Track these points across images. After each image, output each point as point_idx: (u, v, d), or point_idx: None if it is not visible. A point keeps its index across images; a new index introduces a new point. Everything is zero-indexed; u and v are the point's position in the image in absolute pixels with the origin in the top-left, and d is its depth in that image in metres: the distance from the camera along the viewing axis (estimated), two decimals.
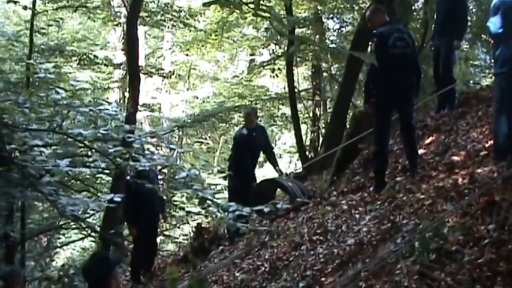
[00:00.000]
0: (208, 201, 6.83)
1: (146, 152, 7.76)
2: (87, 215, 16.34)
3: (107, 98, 20.18)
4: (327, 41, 20.14)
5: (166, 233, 19.32)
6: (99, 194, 14.12)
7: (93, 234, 14.79)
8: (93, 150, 8.24)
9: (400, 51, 8.68)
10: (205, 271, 9.81)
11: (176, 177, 7.48)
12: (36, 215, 20.42)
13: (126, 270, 11.96)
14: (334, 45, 19.76)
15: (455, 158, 8.82)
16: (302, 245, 8.50)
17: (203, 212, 7.13)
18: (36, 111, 8.46)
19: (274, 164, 11.96)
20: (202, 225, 12.20)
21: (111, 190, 12.67)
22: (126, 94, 18.85)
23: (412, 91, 8.91)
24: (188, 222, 18.14)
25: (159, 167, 9.60)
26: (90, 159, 9.18)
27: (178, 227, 18.77)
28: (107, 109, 8.20)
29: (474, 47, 18.65)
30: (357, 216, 8.63)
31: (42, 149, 9.90)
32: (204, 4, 8.12)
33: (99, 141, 7.62)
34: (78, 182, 16.57)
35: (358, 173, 10.66)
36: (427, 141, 10.28)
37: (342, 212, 9.19)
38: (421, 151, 9.69)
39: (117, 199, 7.95)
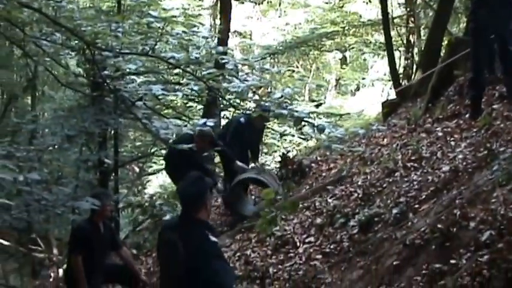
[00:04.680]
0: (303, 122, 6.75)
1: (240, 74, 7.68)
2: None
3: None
4: None
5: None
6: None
7: None
8: (187, 73, 8.23)
9: None
10: (298, 195, 9.83)
11: (271, 97, 7.40)
12: (129, 144, 20.85)
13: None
14: None
15: None
16: (396, 172, 8.42)
17: (298, 133, 7.04)
18: (128, 35, 8.47)
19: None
20: (288, 155, 12.15)
21: (203, 117, 12.72)
22: (217, 21, 18.78)
23: (510, 16, 8.58)
24: (276, 151, 18.25)
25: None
26: (183, 82, 9.21)
27: (270, 155, 18.86)
28: (200, 31, 8.13)
29: None
30: (452, 143, 8.47)
31: (134, 77, 9.98)
32: None
33: (192, 64, 7.58)
34: (170, 111, 16.76)
35: (454, 100, 10.39)
36: None
37: (436, 138, 9.05)
38: None
39: (210, 124, 7.92)
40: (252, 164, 11.17)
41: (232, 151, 10.58)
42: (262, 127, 11.45)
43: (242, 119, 10.71)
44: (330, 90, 27.83)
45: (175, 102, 18.87)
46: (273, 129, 10.25)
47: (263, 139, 11.81)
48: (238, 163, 10.66)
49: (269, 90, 15.41)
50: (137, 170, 22.93)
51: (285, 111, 6.93)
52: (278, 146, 18.37)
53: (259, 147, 12.16)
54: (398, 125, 11.18)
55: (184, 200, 5.03)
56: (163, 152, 17.26)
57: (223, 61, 7.90)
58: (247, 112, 10.16)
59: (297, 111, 6.95)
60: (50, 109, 20.42)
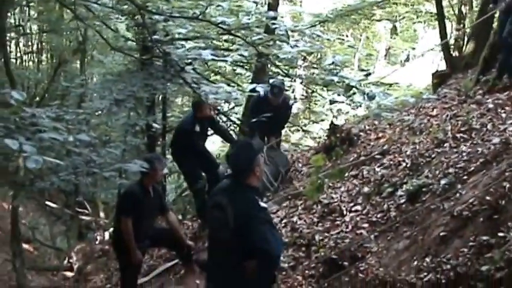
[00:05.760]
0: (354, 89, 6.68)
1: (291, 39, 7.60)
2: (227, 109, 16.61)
3: None
4: None
5: (305, 128, 19.46)
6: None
7: (232, 127, 14.97)
8: (237, 38, 8.19)
9: None
10: (345, 163, 9.80)
11: (321, 64, 7.35)
12: (177, 109, 20.94)
13: None
14: None
15: None
16: (445, 142, 8.34)
17: (347, 101, 6.97)
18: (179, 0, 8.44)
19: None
20: (336, 124, 12.07)
21: (252, 84, 12.68)
22: None
23: None
24: (323, 120, 18.19)
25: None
26: (233, 48, 9.16)
27: (317, 123, 18.83)
28: None
29: None
30: (503, 115, 8.39)
31: (183, 42, 9.96)
32: None
33: (242, 29, 7.53)
34: (218, 77, 16.77)
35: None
36: None
37: (487, 110, 8.94)
38: None
39: (259, 89, 7.90)
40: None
41: (251, 125, 10.38)
42: (283, 107, 10.87)
43: (262, 93, 10.32)
44: (379, 60, 27.62)
45: (223, 68, 18.90)
46: (321, 96, 10.10)
47: (284, 119, 11.26)
48: None
49: (319, 57, 15.30)
50: None
51: (335, 78, 6.87)
52: (326, 115, 18.31)
53: (280, 126, 11.83)
54: (448, 96, 11.03)
55: (234, 167, 5.04)
56: None
57: (274, 26, 7.84)
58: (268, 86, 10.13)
59: (347, 78, 6.88)
60: (99, 73, 20.62)
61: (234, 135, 12.22)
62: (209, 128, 10.34)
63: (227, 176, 5.28)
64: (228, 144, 10.89)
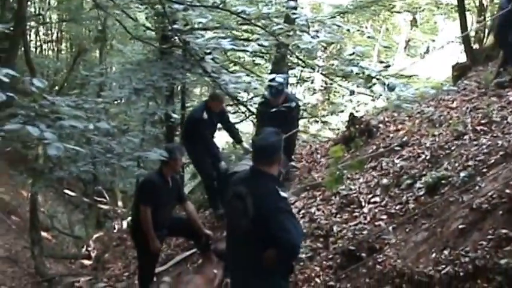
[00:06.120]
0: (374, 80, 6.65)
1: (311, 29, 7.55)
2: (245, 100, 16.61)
3: None
4: None
5: (324, 119, 19.43)
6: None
7: (251, 117, 14.99)
8: (257, 27, 8.18)
9: None
10: (364, 155, 9.77)
11: (341, 55, 7.33)
12: (196, 99, 20.96)
13: None
14: None
15: None
16: (465, 135, 8.30)
17: (367, 91, 6.95)
18: None
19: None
20: (355, 115, 12.03)
21: (271, 73, 12.66)
22: None
23: None
24: (342, 111, 18.13)
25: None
26: (252, 38, 9.13)
27: (337, 114, 18.76)
28: None
29: None
30: None
31: (203, 32, 9.96)
32: None
33: (262, 19, 7.52)
34: (238, 67, 16.76)
35: None
36: None
37: (507, 103, 8.93)
38: None
39: (279, 79, 7.87)
40: None
41: (261, 125, 10.23)
42: (286, 112, 9.53)
43: (267, 93, 9.81)
44: (398, 52, 27.52)
45: (242, 59, 18.89)
46: (341, 86, 10.01)
47: (287, 120, 10.72)
48: (245, 145, 10.59)
49: (338, 48, 15.22)
50: None
51: (355, 69, 6.84)
52: (345, 106, 18.24)
53: (286, 127, 11.52)
54: (468, 89, 10.99)
55: (260, 153, 5.05)
56: (229, 108, 17.35)
57: (294, 16, 7.82)
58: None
59: (367, 69, 6.86)
60: (118, 63, 20.69)
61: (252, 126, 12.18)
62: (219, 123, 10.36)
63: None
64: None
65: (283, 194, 4.86)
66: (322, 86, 22.45)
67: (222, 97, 9.79)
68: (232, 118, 19.14)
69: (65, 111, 5.39)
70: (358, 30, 20.95)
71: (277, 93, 9.61)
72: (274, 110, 9.26)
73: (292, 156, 11.05)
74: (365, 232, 7.33)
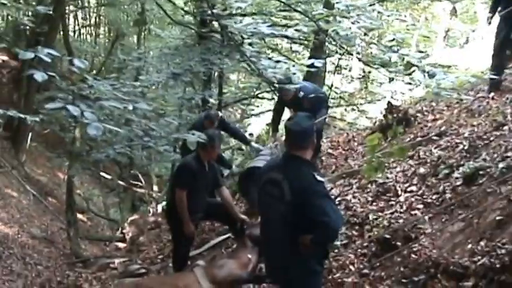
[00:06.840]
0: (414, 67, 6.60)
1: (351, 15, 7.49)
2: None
3: None
4: None
5: (361, 108, 19.34)
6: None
7: None
8: (296, 12, 8.15)
9: None
10: (401, 144, 9.71)
11: (381, 41, 7.28)
12: (233, 85, 21.00)
13: None
14: None
15: None
16: (504, 125, 8.22)
17: (407, 79, 6.89)
18: None
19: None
20: (393, 104, 11.95)
21: (309, 59, 12.61)
22: None
23: None
24: (379, 100, 18.01)
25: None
26: (291, 24, 9.10)
27: (374, 103, 18.67)
28: None
29: None
30: None
31: (241, 18, 9.95)
32: None
33: (302, 4, 7.50)
34: (275, 54, 16.71)
35: None
36: None
37: None
38: None
39: (318, 64, 7.81)
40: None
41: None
42: (301, 104, 9.52)
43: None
44: (437, 42, 27.22)
45: (280, 45, 18.84)
46: (379, 72, 9.93)
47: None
48: (254, 144, 10.53)
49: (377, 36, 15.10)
50: (240, 111, 23.13)
51: (394, 55, 6.79)
52: (383, 96, 18.13)
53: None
54: (508, 79, 10.85)
55: (294, 139, 5.04)
56: (267, 95, 17.30)
57: (334, 1, 7.78)
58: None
59: (407, 55, 6.81)
60: (156, 47, 20.77)
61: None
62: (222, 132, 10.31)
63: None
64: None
65: (319, 178, 4.85)
66: (360, 74, 22.34)
67: (215, 117, 9.89)
68: (269, 105, 19.19)
69: (105, 92, 5.43)
70: (398, 18, 20.83)
71: (285, 88, 8.98)
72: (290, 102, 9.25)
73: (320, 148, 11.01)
74: (401, 221, 7.29)
